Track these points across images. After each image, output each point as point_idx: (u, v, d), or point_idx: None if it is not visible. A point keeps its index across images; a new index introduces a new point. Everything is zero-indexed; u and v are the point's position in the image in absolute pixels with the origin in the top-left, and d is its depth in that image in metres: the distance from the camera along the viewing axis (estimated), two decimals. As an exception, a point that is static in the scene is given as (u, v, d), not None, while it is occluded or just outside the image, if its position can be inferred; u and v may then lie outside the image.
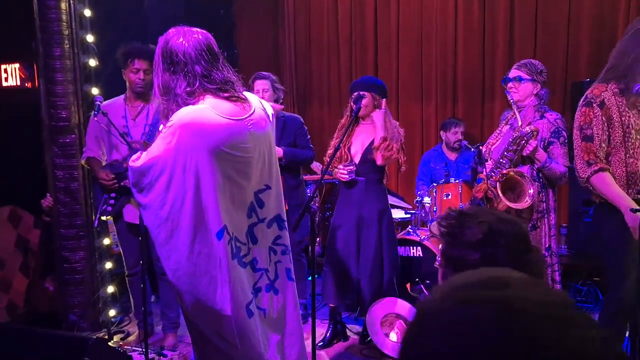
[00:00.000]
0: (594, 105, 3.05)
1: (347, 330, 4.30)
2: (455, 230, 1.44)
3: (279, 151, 4.26)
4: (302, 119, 4.63)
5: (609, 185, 3.00)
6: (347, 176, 3.95)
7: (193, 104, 2.34)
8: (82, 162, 4.09)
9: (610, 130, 3.03)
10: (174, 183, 2.27)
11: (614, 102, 3.02)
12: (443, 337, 0.68)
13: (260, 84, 4.43)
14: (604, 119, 3.02)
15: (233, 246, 2.37)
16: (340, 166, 3.98)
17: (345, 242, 4.04)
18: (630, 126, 3.00)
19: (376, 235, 3.97)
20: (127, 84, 3.99)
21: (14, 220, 4.50)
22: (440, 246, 1.51)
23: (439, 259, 1.51)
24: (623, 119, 3.00)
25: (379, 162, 3.90)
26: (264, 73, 4.53)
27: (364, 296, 3.99)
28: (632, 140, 3.01)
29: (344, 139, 3.97)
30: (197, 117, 2.28)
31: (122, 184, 3.88)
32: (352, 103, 3.96)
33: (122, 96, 4.06)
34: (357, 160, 4.02)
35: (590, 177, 3.03)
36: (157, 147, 2.29)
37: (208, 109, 2.31)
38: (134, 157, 2.38)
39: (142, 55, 3.91)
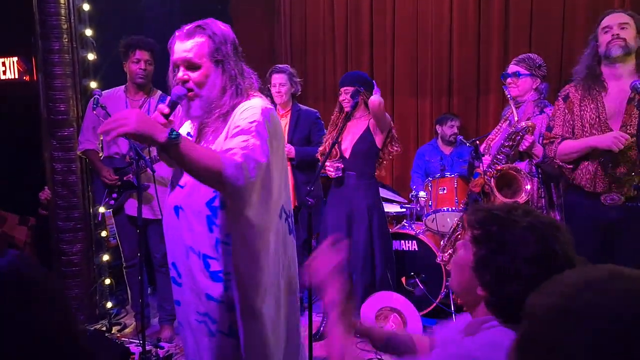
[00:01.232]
0: (559, 98, 3.28)
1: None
2: (499, 238, 1.38)
3: (290, 151, 4.26)
4: (318, 113, 4.60)
5: (574, 142, 3.19)
6: (333, 173, 3.96)
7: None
8: (79, 153, 4.11)
9: (573, 122, 3.20)
10: (275, 171, 2.25)
11: (577, 97, 3.19)
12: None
13: (277, 78, 4.41)
14: (566, 111, 3.22)
15: (286, 222, 2.41)
16: (328, 163, 3.98)
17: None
18: (585, 119, 3.14)
19: (366, 231, 3.98)
20: (128, 75, 4.01)
21: None
22: (473, 249, 1.43)
23: (472, 263, 1.43)
24: (582, 112, 3.16)
25: (379, 140, 3.96)
26: (281, 66, 4.49)
27: (356, 291, 4.00)
28: (587, 134, 3.14)
29: (338, 135, 3.99)
30: (266, 104, 2.26)
31: (124, 178, 3.91)
32: (349, 97, 3.95)
33: (122, 87, 4.08)
34: (347, 154, 4.02)
35: (557, 150, 3.21)
36: (252, 138, 2.11)
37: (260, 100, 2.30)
38: (244, 153, 2.07)
39: (143, 46, 3.95)
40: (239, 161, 2.03)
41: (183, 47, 2.19)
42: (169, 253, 2.47)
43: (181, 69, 2.20)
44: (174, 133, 1.91)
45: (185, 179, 2.32)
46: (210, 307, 2.31)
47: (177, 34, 2.22)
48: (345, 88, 4.00)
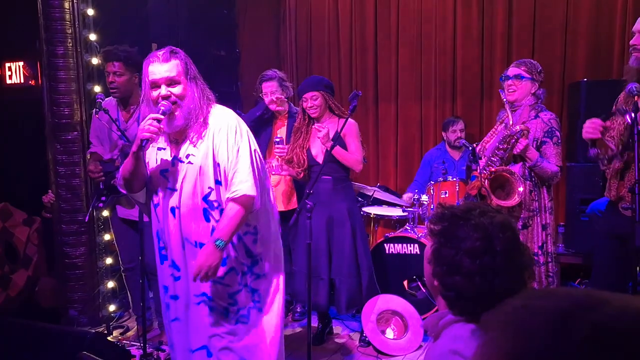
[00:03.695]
0: None
1: (344, 326, 4.38)
2: (449, 233, 1.48)
3: None
4: None
5: None
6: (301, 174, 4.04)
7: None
8: (88, 156, 4.13)
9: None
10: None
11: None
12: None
13: (268, 87, 4.31)
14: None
15: None
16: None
17: (315, 242, 3.88)
18: (616, 132, 3.04)
19: (350, 233, 3.93)
20: None
21: (3, 215, 4.53)
22: (430, 244, 1.54)
23: (429, 255, 1.54)
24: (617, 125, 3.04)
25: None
26: (269, 74, 4.36)
27: (341, 294, 3.96)
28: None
29: (303, 142, 3.98)
30: (230, 113, 2.79)
31: (112, 182, 3.89)
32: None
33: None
34: (320, 160, 3.93)
35: None
36: (249, 167, 2.66)
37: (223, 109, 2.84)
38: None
39: (111, 57, 3.88)
40: (254, 194, 2.64)
41: (164, 68, 2.60)
42: (168, 252, 2.80)
43: (163, 86, 2.60)
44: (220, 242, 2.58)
45: (179, 183, 2.72)
46: (205, 287, 2.72)
47: (152, 59, 2.62)
48: (312, 94, 3.91)
